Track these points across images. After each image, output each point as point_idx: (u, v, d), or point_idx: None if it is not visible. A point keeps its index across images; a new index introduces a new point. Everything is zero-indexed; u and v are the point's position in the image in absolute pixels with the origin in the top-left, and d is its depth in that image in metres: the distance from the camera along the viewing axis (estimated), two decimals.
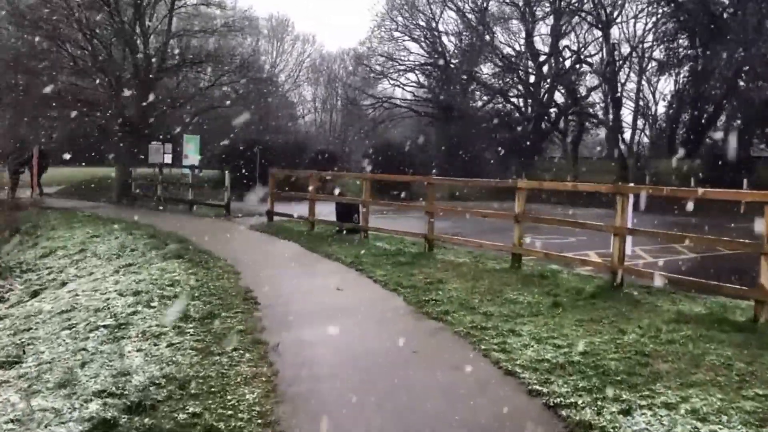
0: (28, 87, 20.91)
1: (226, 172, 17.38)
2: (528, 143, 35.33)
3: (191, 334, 6.70)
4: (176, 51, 23.57)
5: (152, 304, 7.97)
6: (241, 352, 6.06)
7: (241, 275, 9.71)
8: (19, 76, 20.86)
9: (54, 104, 21.14)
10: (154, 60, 23.14)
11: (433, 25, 39.61)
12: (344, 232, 13.82)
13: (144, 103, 22.06)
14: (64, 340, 7.24)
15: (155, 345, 6.44)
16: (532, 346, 6.23)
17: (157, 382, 5.38)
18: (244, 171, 22.17)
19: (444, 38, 40.12)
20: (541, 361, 5.81)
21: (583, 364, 5.71)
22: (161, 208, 19.33)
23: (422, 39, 40.08)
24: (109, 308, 8.06)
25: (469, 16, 38.68)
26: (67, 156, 23.72)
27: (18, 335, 8.04)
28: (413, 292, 8.51)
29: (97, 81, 21.83)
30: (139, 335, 6.86)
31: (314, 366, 5.69)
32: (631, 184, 9.26)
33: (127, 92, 21.90)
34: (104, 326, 7.33)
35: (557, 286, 8.75)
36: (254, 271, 10.04)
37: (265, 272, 9.99)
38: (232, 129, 24.55)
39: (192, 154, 22.34)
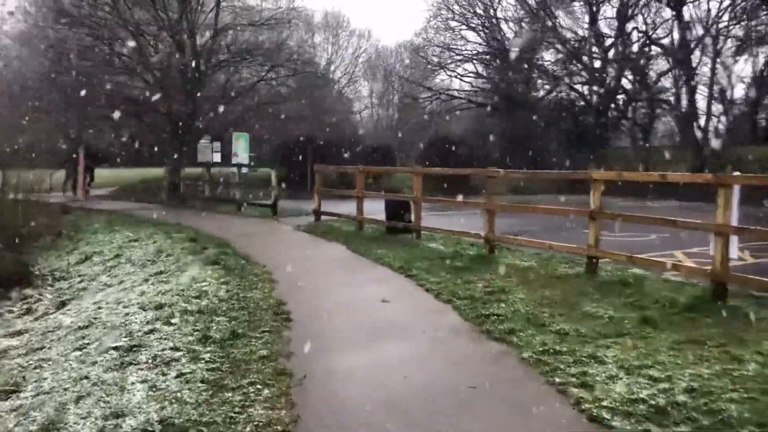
0: (75, 87, 20.58)
1: (273, 170, 16.48)
2: (593, 133, 33.34)
3: (206, 361, 5.68)
4: (224, 46, 22.86)
5: (172, 321, 7.00)
6: (259, 387, 4.97)
7: (277, 284, 8.68)
8: (66, 75, 20.53)
9: (102, 104, 20.76)
10: (202, 56, 22.50)
11: (492, 12, 37.95)
12: (395, 232, 12.66)
13: (192, 101, 21.49)
14: (70, 365, 6.36)
15: (163, 375, 5.45)
16: (621, 379, 4.93)
17: (151, 429, 4.36)
18: (295, 169, 21.28)
19: (503, 25, 38.44)
20: (635, 401, 4.52)
21: (693, 407, 4.39)
22: (209, 208, 18.62)
23: (480, 27, 38.47)
24: (126, 325, 7.15)
25: (530, 1, 36.83)
26: (117, 158, 23.42)
27: (29, 355, 7.24)
28: (471, 305, 7.29)
29: (145, 79, 21.33)
30: (149, 361, 5.88)
31: (344, 411, 4.55)
32: (737, 173, 7.70)
33: (174, 90, 21.36)
34: (115, 348, 6.41)
35: (644, 296, 7.35)
36: (292, 278, 9.00)
37: (304, 280, 8.93)
38: (284, 126, 23.79)
39: (241, 152, 21.58)
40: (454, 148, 28.30)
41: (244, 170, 21.02)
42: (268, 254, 10.93)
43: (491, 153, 30.76)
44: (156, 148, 23.50)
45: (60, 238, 15.38)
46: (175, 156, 21.70)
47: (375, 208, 13.69)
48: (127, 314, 7.67)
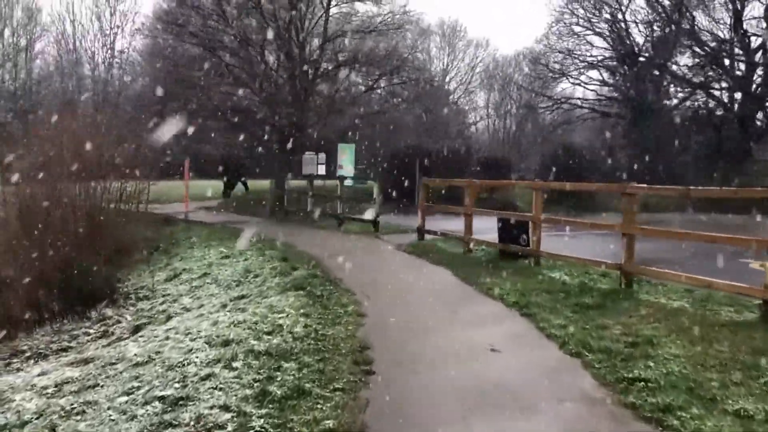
0: (185, 97, 20.44)
1: (375, 183, 15.26)
2: (735, 144, 29.84)
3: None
4: (333, 54, 22.01)
5: (234, 365, 5.80)
6: None
7: (365, 319, 7.32)
8: (177, 86, 20.41)
9: (211, 115, 20.53)
10: (310, 65, 21.79)
11: (620, 15, 35.15)
12: (509, 257, 10.98)
13: (299, 111, 20.80)
14: (109, 416, 5.32)
15: None
16: None
17: None
18: (402, 182, 20.02)
19: (632, 29, 35.51)
20: None
21: None
22: (310, 223, 17.71)
23: (607, 32, 35.76)
24: (184, 365, 6.03)
25: (664, 2, 33.72)
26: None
27: (80, 395, 6.29)
28: (608, 361, 5.58)
29: (251, 89, 20.86)
30: (192, 423, 4.67)
31: None
32: None
33: (282, 100, 20.78)
34: (162, 398, 5.29)
35: None
36: (383, 312, 7.61)
37: (397, 314, 7.51)
38: (393, 137, 22.67)
39: (347, 164, 20.65)
40: (575, 161, 26.04)
41: (349, 183, 20.02)
42: (361, 279, 9.61)
43: (618, 166, 28.13)
44: (262, 161, 23.02)
45: (157, 252, 14.91)
46: (280, 168, 21.07)
47: (486, 227, 12.08)
48: (190, 350, 6.57)
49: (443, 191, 17.64)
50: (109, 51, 44.82)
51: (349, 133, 22.29)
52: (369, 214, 15.92)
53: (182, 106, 20.60)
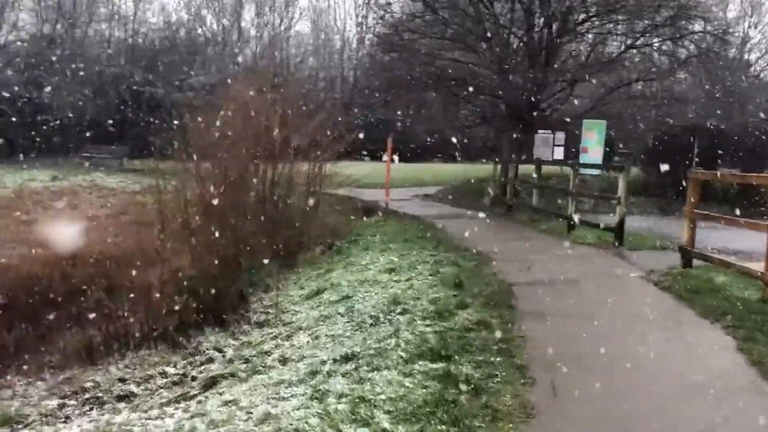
0: (408, 66, 17.43)
1: (621, 174, 10.54)
2: None
3: None
4: (580, 2, 17.00)
5: None
6: None
7: None
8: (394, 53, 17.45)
9: (430, 86, 17.30)
10: (554, 21, 17.11)
11: None
12: None
13: (538, 79, 16.54)
14: None
15: None
16: None
17: None
18: (668, 172, 14.73)
19: None
20: None
21: None
22: (533, 223, 13.50)
23: None
24: None
25: None
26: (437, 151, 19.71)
27: None
28: None
29: (478, 52, 16.99)
30: None
31: None
32: None
33: (514, 66, 16.75)
34: None
35: None
36: None
37: None
38: (658, 112, 17.26)
39: (593, 147, 15.90)
40: None
41: (592, 172, 15.34)
42: (565, 346, 5.49)
43: None
44: (478, 141, 19.12)
45: (332, 250, 12.08)
46: (510, 150, 17.08)
47: None
48: None
49: (731, 190, 12.20)
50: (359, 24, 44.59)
51: (599, 105, 17.24)
52: (609, 219, 11.33)
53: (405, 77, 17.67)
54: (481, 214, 15.61)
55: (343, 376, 5.00)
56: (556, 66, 17.27)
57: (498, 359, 5.14)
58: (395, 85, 18.87)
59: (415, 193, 20.87)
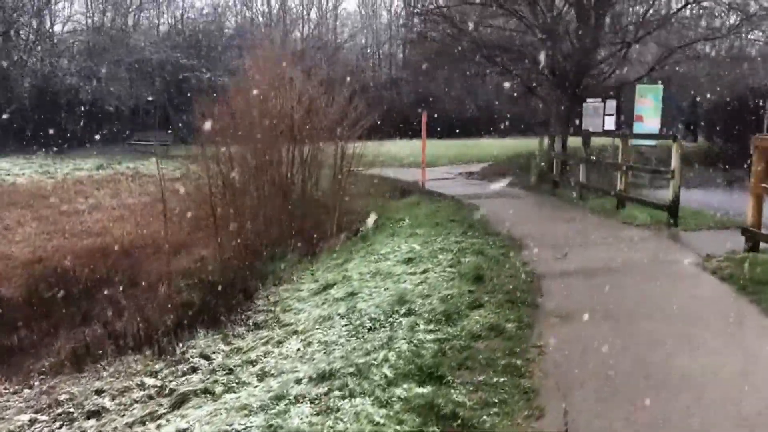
0: (455, 38, 16.32)
1: (675, 142, 9.22)
2: None
3: None
4: None
5: None
6: None
7: None
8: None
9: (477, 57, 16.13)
10: None
11: None
12: None
13: (587, 42, 15.14)
14: None
15: None
16: None
17: None
18: (734, 141, 13.18)
19: None
20: None
21: None
22: (579, 201, 12.28)
23: None
24: None
25: None
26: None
27: None
28: None
29: (516, 14, 15.64)
30: None
31: None
32: None
33: (562, 30, 15.37)
34: None
35: None
36: None
37: None
38: (724, 74, 15.52)
39: (649, 116, 14.41)
40: None
41: (651, 143, 13.90)
42: (592, 361, 4.47)
43: None
44: (526, 115, 17.77)
45: (357, 236, 11.22)
46: (558, 122, 15.76)
47: None
48: None
49: None
50: None
51: (656, 68, 15.60)
52: (663, 195, 10.04)
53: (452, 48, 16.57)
54: (524, 192, 14.46)
55: (311, 403, 4.14)
56: (606, 27, 15.76)
57: (502, 379, 4.17)
58: (442, 58, 17.91)
59: (460, 170, 19.81)
